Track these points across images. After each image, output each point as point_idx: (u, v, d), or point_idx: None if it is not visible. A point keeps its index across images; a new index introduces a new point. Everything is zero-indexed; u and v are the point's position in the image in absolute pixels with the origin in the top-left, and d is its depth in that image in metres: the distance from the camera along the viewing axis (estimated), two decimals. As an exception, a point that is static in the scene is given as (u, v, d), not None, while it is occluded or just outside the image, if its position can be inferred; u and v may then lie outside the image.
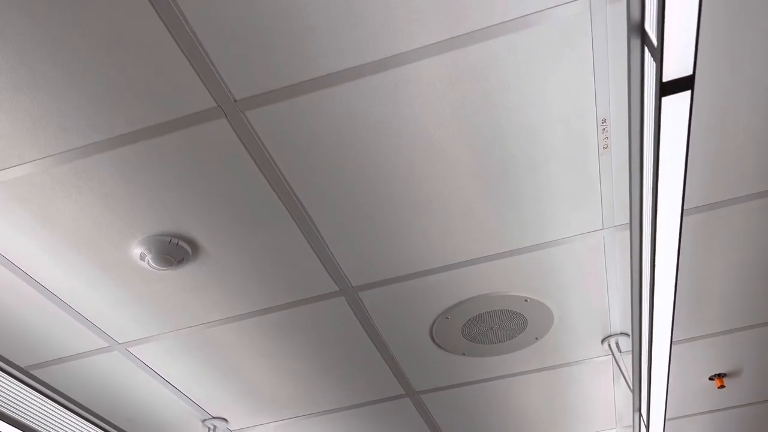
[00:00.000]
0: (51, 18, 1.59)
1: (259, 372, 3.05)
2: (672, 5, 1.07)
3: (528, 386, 3.45)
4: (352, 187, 2.14)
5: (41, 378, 2.86)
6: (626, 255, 2.57)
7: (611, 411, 3.77)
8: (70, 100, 1.78)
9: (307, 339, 2.86)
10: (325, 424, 3.57)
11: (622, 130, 2.05)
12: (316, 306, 2.67)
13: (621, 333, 3.05)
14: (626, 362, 3.22)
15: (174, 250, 2.27)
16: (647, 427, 3.16)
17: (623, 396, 3.62)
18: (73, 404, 2.45)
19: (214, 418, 3.41)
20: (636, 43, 1.29)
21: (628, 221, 2.41)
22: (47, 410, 2.38)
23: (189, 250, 2.30)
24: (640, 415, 3.24)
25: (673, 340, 3.10)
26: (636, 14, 1.25)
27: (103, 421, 2.60)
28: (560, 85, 1.90)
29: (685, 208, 2.33)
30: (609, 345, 3.09)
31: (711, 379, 3.53)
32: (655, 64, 1.17)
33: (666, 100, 1.19)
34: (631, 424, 3.90)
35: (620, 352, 3.10)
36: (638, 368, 2.73)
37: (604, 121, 2.02)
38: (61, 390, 3.01)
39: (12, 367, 2.19)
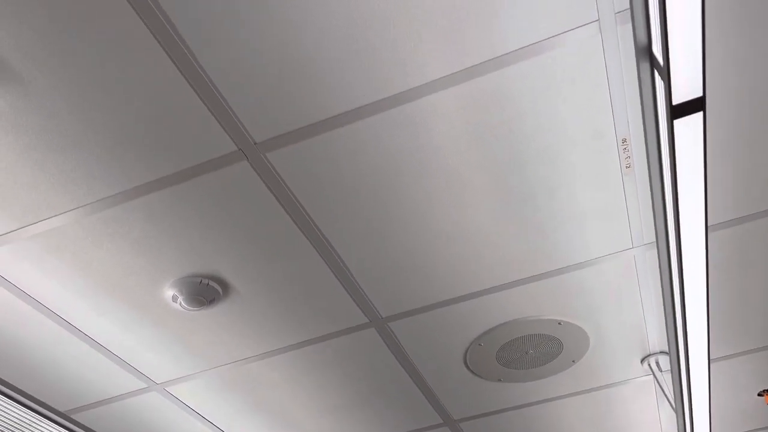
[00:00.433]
0: (75, 75, 1.65)
1: (297, 406, 3.06)
2: (675, 28, 1.06)
3: (568, 410, 3.38)
4: (375, 219, 2.16)
5: (82, 422, 2.92)
6: (658, 273, 2.53)
7: (657, 432, 3.67)
8: (96, 153, 1.85)
9: (342, 371, 2.86)
10: (365, 456, 3.55)
11: (644, 149, 2.03)
12: (347, 338, 2.67)
13: (660, 352, 2.98)
14: (668, 381, 3.14)
15: (205, 291, 2.31)
16: (695, 447, 3.06)
17: (668, 416, 3.52)
18: (114, 447, 2.49)
19: (253, 453, 3.42)
20: (645, 66, 1.29)
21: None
22: (89, 454, 2.43)
23: (219, 289, 2.33)
24: (687, 435, 3.15)
25: (714, 356, 3.01)
26: (642, 37, 1.25)
27: (144, 462, 2.64)
28: (577, 108, 1.90)
29: (711, 224, 2.28)
30: (649, 364, 3.02)
31: (760, 395, 3.41)
32: (664, 86, 1.17)
33: (678, 123, 1.18)
34: (679, 444, 3.78)
35: (661, 371, 3.02)
36: (679, 387, 2.66)
37: (624, 140, 2.00)
38: (103, 432, 3.06)
39: (53, 412, 2.25)
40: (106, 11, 1.53)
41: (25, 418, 2.65)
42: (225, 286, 2.34)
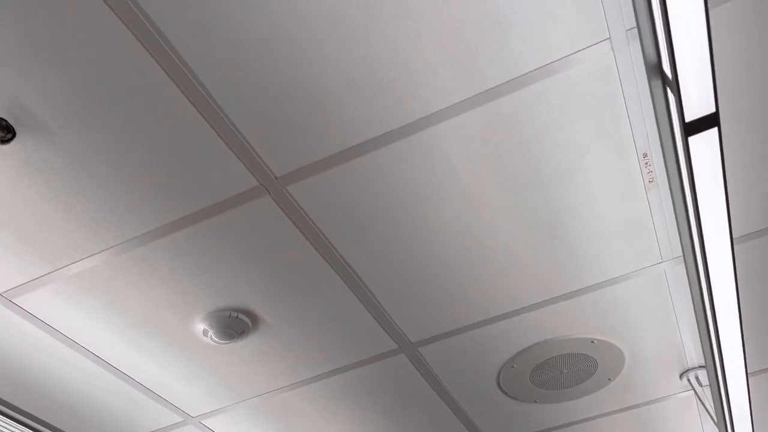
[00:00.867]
0: (100, 123, 1.71)
1: (331, 435, 3.06)
2: (681, 45, 1.06)
3: (608, 429, 3.31)
4: (398, 246, 2.17)
5: (121, 458, 2.96)
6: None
7: (702, 448, 3.56)
8: (123, 195, 1.90)
9: (374, 398, 2.86)
10: (403, 483, 3.52)
11: (670, 160, 2.00)
12: (377, 365, 2.67)
13: (699, 366, 2.91)
14: (709, 396, 3.06)
15: (234, 324, 2.34)
16: (742, 464, 2.97)
17: (711, 431, 3.42)
18: (153, 482, 2.51)
19: (291, 483, 3.41)
20: (657, 83, 1.28)
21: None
22: (128, 490, 2.45)
23: (249, 322, 2.36)
24: (733, 451, 3.05)
25: (753, 370, 2.93)
26: (652, 55, 1.25)
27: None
28: (595, 125, 1.89)
29: (737, 235, 2.24)
30: (688, 379, 2.95)
31: (807, 406, 3.29)
32: (676, 103, 1.16)
33: (693, 140, 1.17)
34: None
35: (701, 386, 2.95)
36: (719, 402, 2.58)
37: (645, 155, 1.98)
38: (142, 467, 3.09)
39: (92, 451, 2.28)
40: (130, 64, 1.58)
41: (66, 455, 2.69)
42: (254, 319, 2.37)
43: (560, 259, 2.31)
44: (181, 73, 1.63)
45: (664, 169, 2.02)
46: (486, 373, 2.80)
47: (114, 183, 1.86)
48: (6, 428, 2.62)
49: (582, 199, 2.11)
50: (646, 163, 2.01)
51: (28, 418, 2.67)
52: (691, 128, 1.15)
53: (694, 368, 2.92)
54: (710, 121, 1.15)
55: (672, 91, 1.20)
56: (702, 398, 2.94)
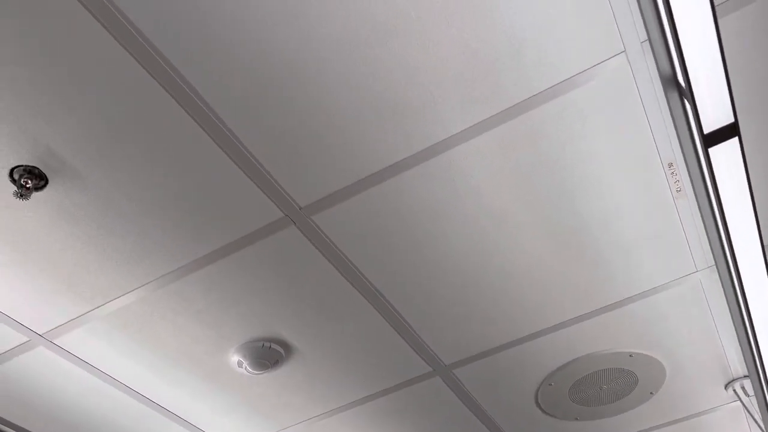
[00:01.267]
0: (128, 166, 1.76)
1: (371, 460, 3.04)
2: (693, 58, 1.05)
3: (654, 444, 3.23)
4: (426, 268, 2.17)
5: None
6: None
7: (755, 460, 3.44)
8: (153, 233, 1.94)
9: (412, 422, 2.84)
10: (447, 506, 3.47)
11: (694, 170, 1.97)
12: (413, 389, 2.66)
13: (744, 376, 2.82)
14: (756, 406, 2.96)
15: (268, 354, 2.36)
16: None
17: (764, 443, 3.30)
18: None
19: None
20: (674, 95, 1.27)
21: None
22: None
23: (282, 351, 2.37)
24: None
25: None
26: (666, 68, 1.24)
27: None
28: (616, 137, 1.87)
29: (770, 243, 2.19)
30: (734, 390, 2.86)
31: None
32: (693, 115, 1.15)
33: (714, 151, 1.15)
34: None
35: (748, 396, 2.86)
36: (767, 412, 2.50)
37: (671, 165, 1.96)
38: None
39: (135, 486, 2.31)
40: (153, 107, 1.63)
41: (111, 491, 2.73)
42: (287, 348, 2.38)
43: (592, 273, 2.28)
44: (202, 113, 1.67)
45: (693, 178, 1.99)
46: (524, 391, 2.76)
47: (144, 221, 1.91)
48: (52, 466, 2.67)
49: (610, 212, 2.08)
50: (672, 172, 1.98)
51: (72, 455, 2.72)
52: (711, 140, 1.13)
53: (739, 378, 2.83)
54: (729, 132, 1.13)
55: (689, 103, 1.19)
56: (749, 408, 2.85)
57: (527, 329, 2.48)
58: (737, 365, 2.75)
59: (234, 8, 1.49)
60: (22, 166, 1.73)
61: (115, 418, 2.59)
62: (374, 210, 1.97)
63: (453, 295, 2.28)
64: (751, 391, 2.87)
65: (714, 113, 1.11)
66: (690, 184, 1.98)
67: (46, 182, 1.77)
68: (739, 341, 2.22)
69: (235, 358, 2.38)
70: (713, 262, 2.27)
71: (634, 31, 1.62)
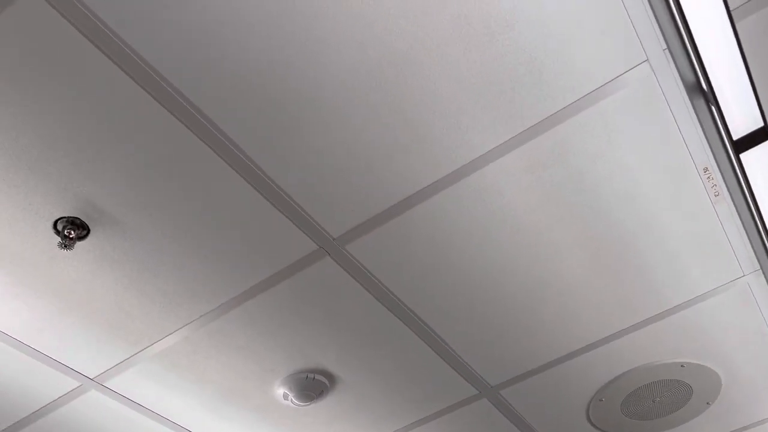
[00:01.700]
0: (165, 210, 1.81)
1: (423, 487, 3.01)
2: (713, 64, 1.03)
3: (716, 456, 3.11)
4: (464, 289, 2.16)
5: None
6: (781, 297, 2.34)
7: (826, 468, 3.29)
8: (193, 273, 1.98)
9: (462, 446, 2.80)
10: None
11: (728, 176, 1.92)
12: (461, 412, 2.63)
13: (805, 380, 2.71)
14: (823, 411, 2.84)
15: (312, 385, 2.37)
16: None
17: (834, 449, 3.15)
18: None
19: None
20: (700, 102, 1.25)
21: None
22: None
23: (326, 382, 2.38)
24: None
25: None
26: (689, 75, 1.22)
27: None
28: (647, 145, 1.85)
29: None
30: (796, 395, 2.75)
31: None
32: (720, 122, 1.13)
33: (745, 156, 1.12)
34: None
35: (811, 401, 2.74)
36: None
37: (706, 169, 1.91)
38: None
39: None
40: (185, 151, 1.68)
41: None
42: (331, 378, 2.39)
43: (636, 284, 2.24)
44: (232, 154, 1.71)
45: (729, 181, 1.95)
46: (574, 408, 2.70)
47: (183, 263, 1.95)
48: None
49: (648, 221, 2.04)
50: (708, 177, 1.94)
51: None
52: (741, 145, 1.11)
53: (801, 382, 2.72)
54: (760, 136, 1.10)
55: (715, 110, 1.17)
56: (814, 414, 2.74)
57: (574, 345, 2.44)
58: (797, 369, 2.65)
59: (258, 51, 1.53)
60: (64, 217, 1.79)
61: (168, 457, 2.63)
62: (407, 235, 1.97)
63: (493, 315, 2.26)
64: (814, 396, 2.75)
65: (742, 118, 1.09)
66: (726, 188, 1.94)
67: (88, 231, 1.83)
68: (794, 346, 2.14)
69: (280, 390, 2.39)
70: (759, 266, 2.20)
71: (656, 38, 1.61)
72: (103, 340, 2.14)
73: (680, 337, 2.46)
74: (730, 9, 0.99)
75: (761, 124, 1.09)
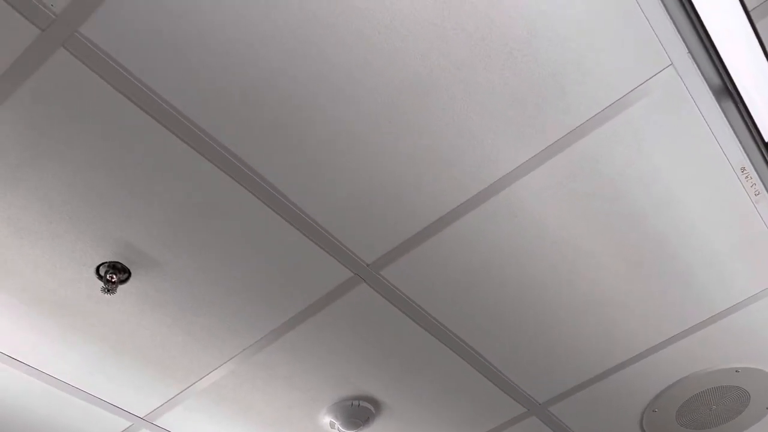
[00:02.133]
0: (203, 249, 1.85)
1: None
2: (737, 66, 1.01)
3: (782, 462, 2.99)
4: (503, 307, 2.13)
5: None
6: (836, 294, 2.25)
7: None
8: (233, 309, 2.01)
9: (515, 465, 2.76)
10: None
11: (765, 175, 1.87)
12: (510, 431, 2.59)
13: None
14: None
15: (358, 412, 2.36)
16: None
17: None
18: None
19: None
20: (728, 104, 1.22)
21: (819, 260, 2.13)
22: None
23: (372, 408, 2.38)
24: None
25: None
26: (714, 78, 1.20)
27: None
28: (679, 149, 1.81)
29: None
30: None
31: None
32: (750, 126, 1.10)
33: (777, 157, 1.09)
34: None
35: None
36: None
37: (743, 169, 1.86)
38: None
39: None
40: (220, 191, 1.71)
41: None
42: (376, 405, 2.38)
43: (681, 290, 2.18)
44: (264, 191, 1.74)
45: (764, 182, 1.89)
46: (627, 421, 2.64)
47: (223, 299, 1.98)
48: None
49: (687, 225, 1.99)
50: (747, 177, 1.89)
51: None
52: (772, 147, 1.08)
53: None
54: (790, 135, 1.07)
55: (743, 111, 1.14)
56: None
57: (622, 356, 2.38)
58: None
59: (282, 89, 1.56)
60: (106, 262, 1.84)
61: (222, 490, 2.65)
62: (440, 257, 1.97)
63: (535, 331, 2.23)
64: None
65: (771, 120, 1.07)
66: (764, 188, 1.88)
67: (129, 274, 1.87)
68: None
69: (326, 419, 2.40)
70: (810, 264, 2.12)
71: (678, 42, 1.58)
72: (150, 379, 2.18)
73: (732, 342, 2.39)
74: (748, 9, 0.97)
75: (791, 123, 1.06)
